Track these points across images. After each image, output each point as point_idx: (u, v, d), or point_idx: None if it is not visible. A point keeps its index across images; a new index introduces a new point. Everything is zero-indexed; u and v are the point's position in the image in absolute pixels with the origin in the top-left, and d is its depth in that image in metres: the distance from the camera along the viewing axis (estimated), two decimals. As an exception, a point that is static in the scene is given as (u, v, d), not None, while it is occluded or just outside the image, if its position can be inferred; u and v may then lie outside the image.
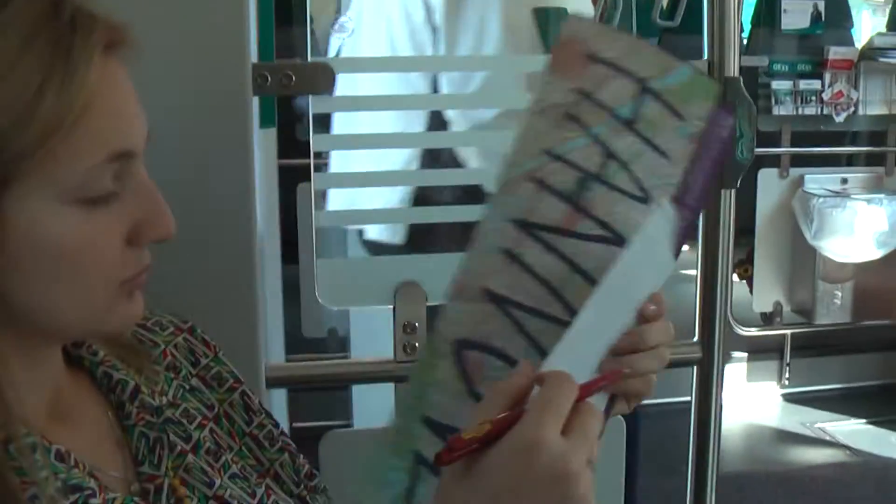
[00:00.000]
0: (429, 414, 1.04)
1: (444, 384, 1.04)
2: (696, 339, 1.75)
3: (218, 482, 1.01)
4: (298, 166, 4.17)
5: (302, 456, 1.18)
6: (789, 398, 5.04)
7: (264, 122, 3.52)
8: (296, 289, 4.20)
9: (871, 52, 4.84)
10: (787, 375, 5.06)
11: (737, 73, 1.67)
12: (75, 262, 0.84)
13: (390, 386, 1.65)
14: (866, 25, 5.14)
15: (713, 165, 1.07)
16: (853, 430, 4.73)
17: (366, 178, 1.61)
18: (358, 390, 3.90)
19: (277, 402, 3.61)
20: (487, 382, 1.00)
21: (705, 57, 1.64)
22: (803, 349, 5.07)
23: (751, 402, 4.89)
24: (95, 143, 0.83)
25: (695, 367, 1.78)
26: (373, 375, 1.68)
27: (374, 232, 2.48)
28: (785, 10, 4.79)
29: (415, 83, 1.93)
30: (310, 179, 3.95)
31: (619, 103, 1.07)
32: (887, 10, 5.73)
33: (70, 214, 0.82)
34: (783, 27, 4.77)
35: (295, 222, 4.15)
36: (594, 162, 1.05)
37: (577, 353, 0.95)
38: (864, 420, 4.82)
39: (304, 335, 4.46)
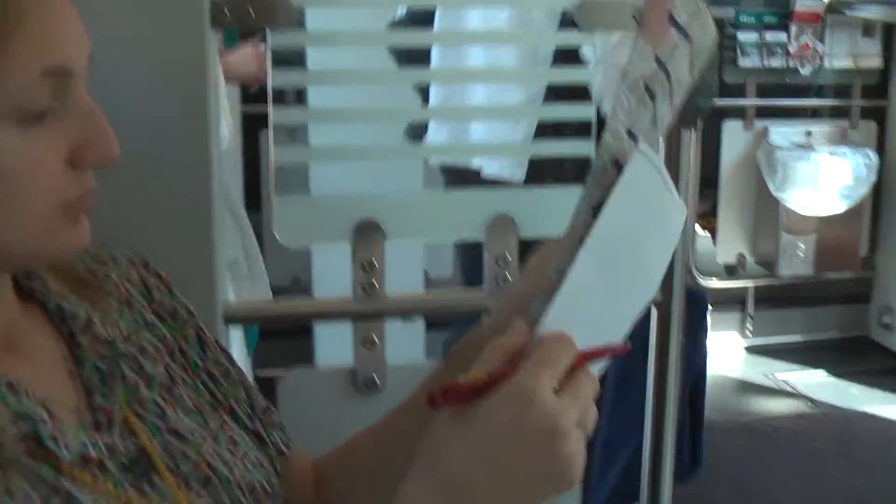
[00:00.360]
0: None
1: None
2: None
3: (171, 415, 1.00)
4: (262, 114, 4.17)
5: (256, 390, 1.17)
6: (752, 349, 5.07)
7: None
8: (260, 237, 4.19)
9: (838, 6, 4.84)
10: (749, 327, 5.10)
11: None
12: (13, 183, 0.82)
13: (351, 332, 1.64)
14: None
15: None
16: (814, 382, 4.77)
17: (329, 114, 1.59)
18: (320, 339, 3.90)
19: (238, 346, 3.61)
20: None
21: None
22: (766, 301, 5.10)
23: (713, 352, 4.92)
24: (29, 57, 0.81)
25: (654, 312, 1.76)
26: (331, 314, 1.67)
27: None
28: (750, -38, 4.80)
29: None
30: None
31: (678, 76, 1.02)
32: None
33: (6, 132, 0.81)
34: (752, -23, 4.77)
35: (258, 170, 4.15)
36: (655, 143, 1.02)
37: (577, 315, 0.93)
38: (825, 371, 4.86)
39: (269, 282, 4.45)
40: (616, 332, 0.97)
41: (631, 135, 0.97)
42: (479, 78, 1.85)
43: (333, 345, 3.80)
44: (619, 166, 0.95)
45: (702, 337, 3.07)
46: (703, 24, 1.01)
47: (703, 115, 1.65)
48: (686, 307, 1.75)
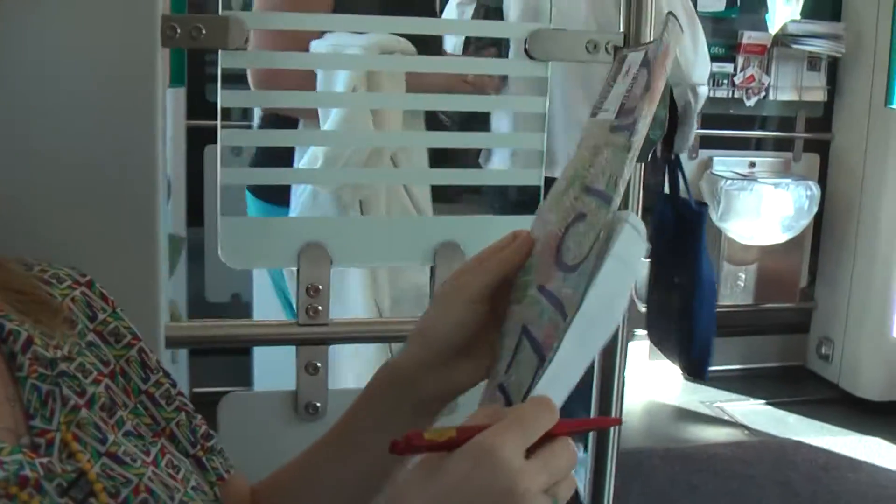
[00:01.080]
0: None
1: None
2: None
3: (111, 438, 0.99)
4: (207, 128, 4.16)
5: (199, 416, 1.16)
6: (691, 377, 5.10)
7: (174, 81, 3.49)
8: (201, 252, 4.17)
9: (784, 39, 4.91)
10: (688, 356, 5.13)
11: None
12: None
13: (292, 350, 1.63)
14: (779, 13, 5.20)
15: None
16: (752, 410, 4.81)
17: (282, 136, 1.58)
18: (259, 356, 3.89)
19: (180, 366, 3.59)
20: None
21: (621, 29, 1.63)
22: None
23: (653, 379, 4.94)
24: None
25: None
26: (275, 338, 1.65)
27: None
28: (704, -11, 4.84)
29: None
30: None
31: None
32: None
33: None
34: (699, 9, 4.80)
35: (201, 185, 4.12)
36: None
37: (560, 382, 0.93)
38: (762, 400, 4.90)
39: (208, 299, 4.43)
40: (581, 372, 0.96)
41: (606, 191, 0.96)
42: (431, 104, 1.84)
43: (272, 362, 3.79)
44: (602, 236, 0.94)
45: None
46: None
47: (653, 146, 1.66)
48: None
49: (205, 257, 4.28)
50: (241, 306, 4.40)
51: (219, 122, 1.54)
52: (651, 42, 0.98)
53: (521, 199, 1.84)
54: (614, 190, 0.92)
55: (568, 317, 0.91)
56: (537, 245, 1.05)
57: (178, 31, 1.42)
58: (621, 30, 1.63)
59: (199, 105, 4.12)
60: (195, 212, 3.97)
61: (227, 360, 4.15)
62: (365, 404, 1.15)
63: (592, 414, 1.80)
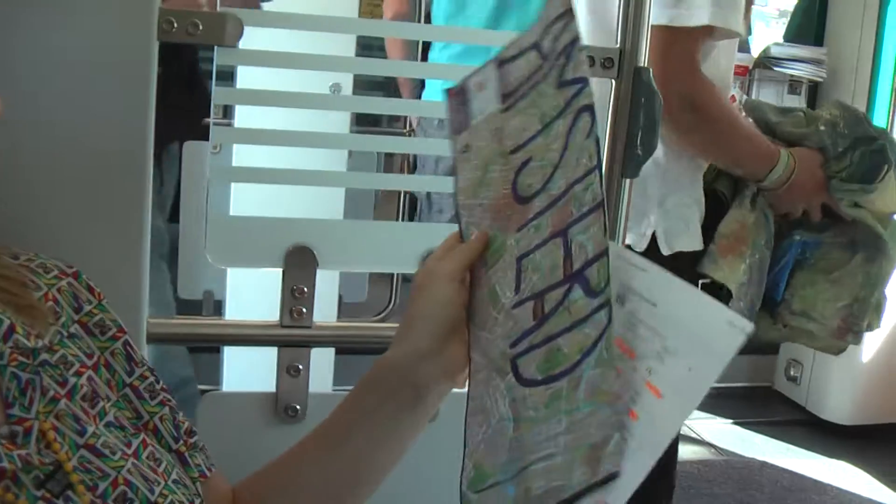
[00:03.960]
0: None
1: None
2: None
3: (91, 429, 0.98)
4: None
5: (182, 413, 1.16)
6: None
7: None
8: (173, 249, 4.15)
9: (766, 61, 4.93)
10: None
11: (646, 64, 1.66)
12: None
13: (265, 350, 1.63)
14: (762, 36, 5.23)
15: None
16: (719, 430, 4.82)
17: (277, 136, 1.57)
18: (229, 354, 3.87)
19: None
20: None
21: (617, 44, 1.63)
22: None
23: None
24: None
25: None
26: (258, 339, 1.64)
27: (680, 242, 2.33)
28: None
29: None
30: (197, 138, 3.91)
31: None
32: (780, 23, 5.84)
33: None
34: (682, 29, 4.83)
35: (177, 181, 4.10)
36: None
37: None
38: (729, 420, 4.92)
39: (180, 295, 4.41)
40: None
41: None
42: (419, 109, 1.84)
43: (242, 363, 3.77)
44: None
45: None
46: None
47: (643, 162, 1.66)
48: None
49: (178, 254, 4.25)
50: (213, 304, 4.37)
51: (211, 120, 1.53)
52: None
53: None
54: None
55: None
56: (483, 223, 1.14)
57: (175, 25, 1.41)
58: (617, 45, 1.63)
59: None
60: (169, 208, 3.95)
61: (196, 357, 4.14)
62: (356, 400, 1.17)
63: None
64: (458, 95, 1.17)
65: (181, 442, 1.14)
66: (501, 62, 1.13)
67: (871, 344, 4.89)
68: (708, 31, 2.14)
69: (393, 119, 4.84)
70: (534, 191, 1.05)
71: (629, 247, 2.19)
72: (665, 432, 0.90)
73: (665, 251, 2.29)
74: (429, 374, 1.13)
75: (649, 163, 2.14)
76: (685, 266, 2.31)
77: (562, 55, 1.03)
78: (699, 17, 2.09)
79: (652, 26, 1.80)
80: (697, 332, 0.91)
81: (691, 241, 2.32)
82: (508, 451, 1.02)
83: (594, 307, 0.96)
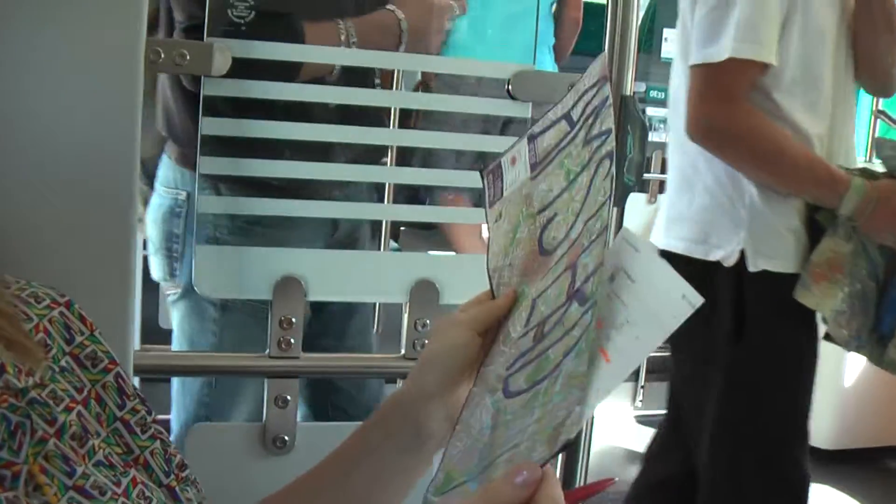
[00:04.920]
0: None
1: None
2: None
3: (80, 470, 0.97)
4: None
5: (173, 446, 1.14)
6: (641, 420, 5.11)
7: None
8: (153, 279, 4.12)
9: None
10: (640, 398, 5.13)
11: (630, 93, 1.68)
12: None
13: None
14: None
15: None
16: (702, 455, 4.81)
17: (260, 167, 1.57)
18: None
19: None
20: None
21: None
22: (658, 372, 5.14)
23: (604, 421, 4.94)
24: None
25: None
26: (246, 370, 1.63)
27: (765, 263, 2.41)
28: (665, 39, 4.87)
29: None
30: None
31: None
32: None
33: None
34: (662, 55, 4.85)
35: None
36: None
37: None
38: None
39: (161, 325, 4.38)
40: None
41: None
42: (417, 140, 1.84)
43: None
44: None
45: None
46: None
47: (629, 192, 1.68)
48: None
49: (160, 284, 4.23)
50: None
51: (198, 149, 1.53)
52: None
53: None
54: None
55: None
56: (516, 278, 1.14)
57: (162, 55, 1.41)
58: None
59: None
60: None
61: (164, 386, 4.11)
62: (362, 434, 1.16)
63: (560, 460, 1.81)
64: (493, 172, 1.21)
65: (172, 476, 1.12)
66: (532, 137, 1.16)
67: (853, 368, 4.89)
68: (742, 65, 2.28)
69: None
70: (557, 242, 1.07)
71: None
72: (599, 395, 0.93)
73: (750, 268, 2.39)
74: (432, 415, 1.12)
75: (743, 180, 2.32)
76: (786, 290, 2.37)
77: (591, 115, 1.06)
78: (721, 53, 2.26)
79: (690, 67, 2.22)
80: (652, 304, 0.95)
81: (779, 264, 2.40)
82: (479, 456, 1.02)
83: (583, 312, 0.97)
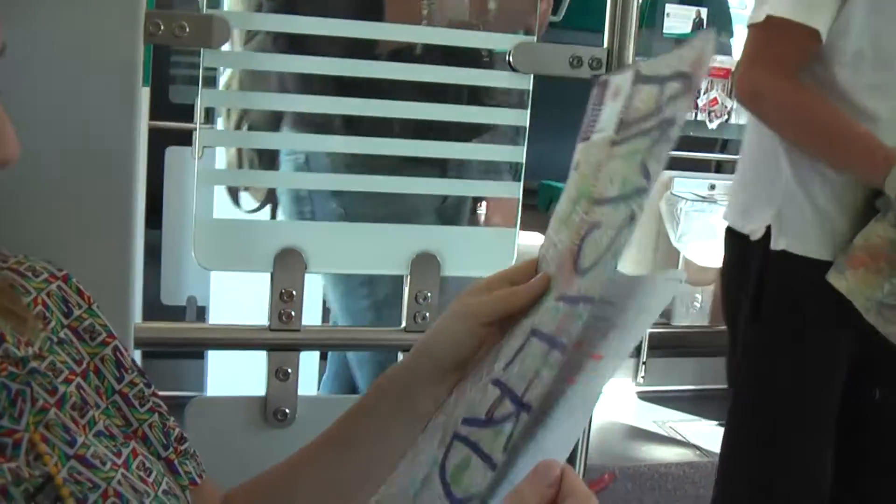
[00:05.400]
0: None
1: None
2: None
3: (80, 440, 0.97)
4: (167, 130, 4.14)
5: (172, 419, 1.14)
6: (644, 396, 5.12)
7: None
8: (155, 255, 4.13)
9: (745, 66, 4.94)
10: (642, 374, 5.14)
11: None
12: None
13: (249, 355, 1.62)
14: (742, 40, 5.25)
15: None
16: (703, 431, 4.82)
17: (259, 138, 1.56)
18: (213, 360, 3.87)
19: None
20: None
21: (605, 45, 1.63)
22: (660, 349, 5.15)
23: (606, 398, 4.95)
24: None
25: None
26: (247, 343, 1.63)
27: (787, 243, 2.34)
28: (668, 15, 4.85)
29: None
30: (179, 144, 3.88)
31: None
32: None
33: None
34: (665, 31, 4.84)
35: (160, 187, 4.09)
36: None
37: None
38: (714, 421, 4.91)
39: (163, 302, 4.39)
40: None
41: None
42: (412, 111, 1.83)
43: (225, 369, 3.77)
44: None
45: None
46: None
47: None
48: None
49: (161, 260, 4.25)
50: (196, 310, 4.37)
51: (196, 122, 1.52)
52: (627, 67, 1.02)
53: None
54: (641, 177, 0.92)
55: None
56: (551, 266, 1.04)
57: (162, 27, 1.40)
58: (605, 45, 1.63)
59: (161, 107, 4.09)
60: (151, 213, 3.93)
61: (179, 363, 4.12)
62: (359, 413, 1.15)
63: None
64: (601, 89, 1.08)
65: (171, 449, 1.12)
66: (638, 77, 1.00)
67: None
68: (788, 29, 2.22)
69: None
70: (587, 267, 0.95)
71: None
72: (600, 384, 0.91)
73: (772, 245, 2.33)
74: (423, 401, 1.11)
75: (782, 157, 2.28)
76: (806, 274, 2.32)
77: (665, 123, 0.92)
78: (760, 14, 2.23)
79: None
80: (639, 302, 0.93)
81: (801, 246, 2.32)
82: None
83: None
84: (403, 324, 1.68)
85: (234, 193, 2.11)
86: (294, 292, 1.55)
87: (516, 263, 1.14)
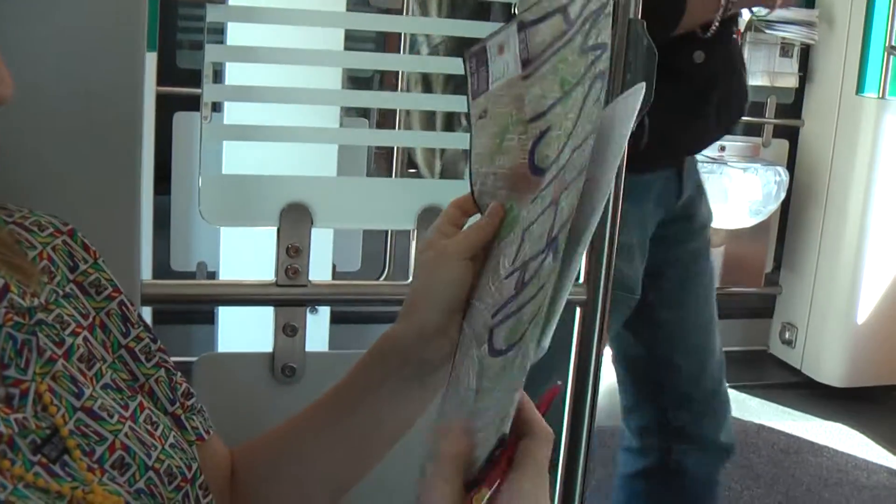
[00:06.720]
0: None
1: None
2: (581, 280, 1.73)
3: (88, 391, 0.97)
4: (176, 95, 4.13)
5: (179, 374, 1.14)
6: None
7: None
8: (164, 221, 4.13)
9: (758, 24, 4.91)
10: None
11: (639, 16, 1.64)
12: None
13: (258, 318, 1.61)
14: None
15: None
16: (712, 390, 4.82)
17: (270, 93, 1.55)
18: (224, 324, 3.88)
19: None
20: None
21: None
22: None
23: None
24: None
25: (577, 310, 1.75)
26: (253, 298, 1.63)
27: None
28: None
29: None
30: (187, 109, 3.87)
31: None
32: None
33: None
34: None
35: (168, 153, 4.08)
36: None
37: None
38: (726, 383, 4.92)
39: (173, 267, 4.40)
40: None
41: None
42: (410, 65, 1.83)
43: (237, 332, 3.78)
44: None
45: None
46: None
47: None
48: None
49: (170, 225, 4.25)
50: (206, 275, 4.37)
51: (202, 78, 1.51)
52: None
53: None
54: (584, 59, 0.99)
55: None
56: (498, 194, 1.09)
57: (165, -20, 1.39)
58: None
59: (168, 72, 4.09)
60: (160, 179, 3.93)
61: (190, 328, 4.13)
62: (361, 373, 1.15)
63: (570, 386, 1.80)
64: (477, 57, 1.11)
65: (177, 404, 1.12)
66: (522, 25, 1.05)
67: (865, 306, 4.89)
68: None
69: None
70: (549, 162, 1.00)
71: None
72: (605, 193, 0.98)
73: None
74: (435, 351, 1.10)
75: None
76: None
77: (588, 20, 0.99)
78: None
79: None
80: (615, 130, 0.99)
81: None
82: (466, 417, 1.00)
83: (551, 270, 0.94)
84: (411, 278, 1.67)
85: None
86: (300, 247, 1.55)
87: (444, 211, 1.16)
